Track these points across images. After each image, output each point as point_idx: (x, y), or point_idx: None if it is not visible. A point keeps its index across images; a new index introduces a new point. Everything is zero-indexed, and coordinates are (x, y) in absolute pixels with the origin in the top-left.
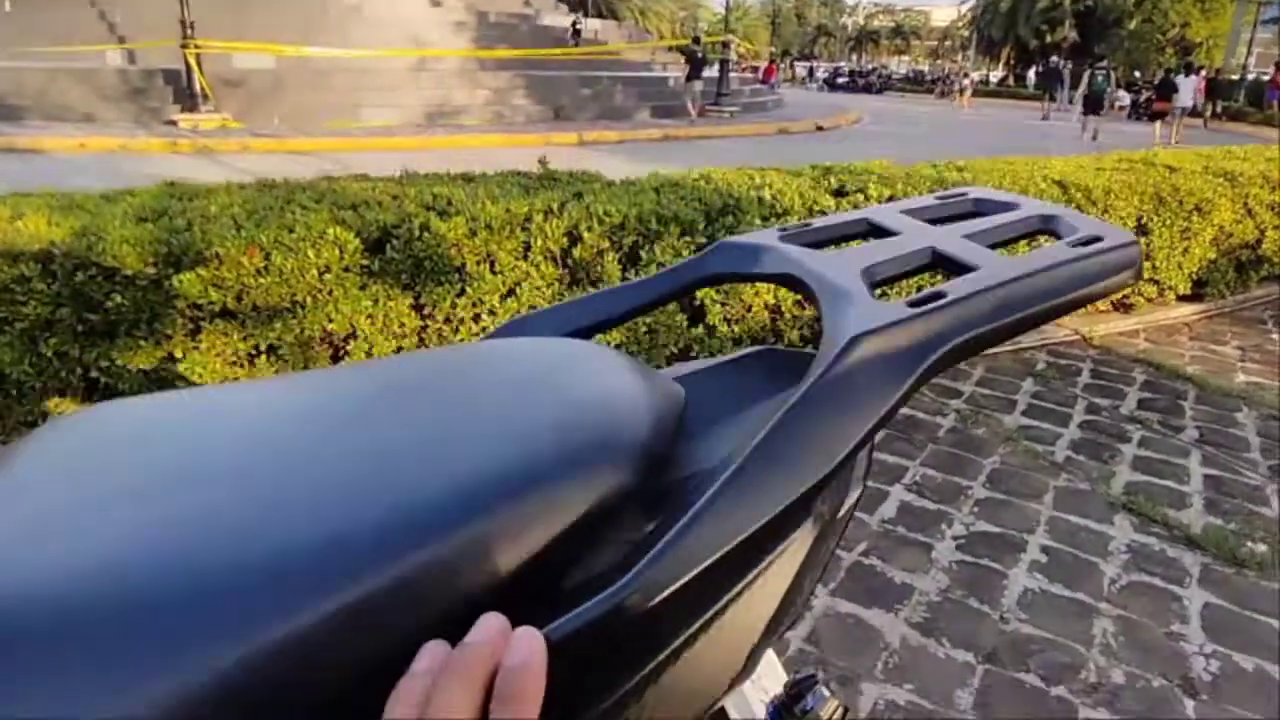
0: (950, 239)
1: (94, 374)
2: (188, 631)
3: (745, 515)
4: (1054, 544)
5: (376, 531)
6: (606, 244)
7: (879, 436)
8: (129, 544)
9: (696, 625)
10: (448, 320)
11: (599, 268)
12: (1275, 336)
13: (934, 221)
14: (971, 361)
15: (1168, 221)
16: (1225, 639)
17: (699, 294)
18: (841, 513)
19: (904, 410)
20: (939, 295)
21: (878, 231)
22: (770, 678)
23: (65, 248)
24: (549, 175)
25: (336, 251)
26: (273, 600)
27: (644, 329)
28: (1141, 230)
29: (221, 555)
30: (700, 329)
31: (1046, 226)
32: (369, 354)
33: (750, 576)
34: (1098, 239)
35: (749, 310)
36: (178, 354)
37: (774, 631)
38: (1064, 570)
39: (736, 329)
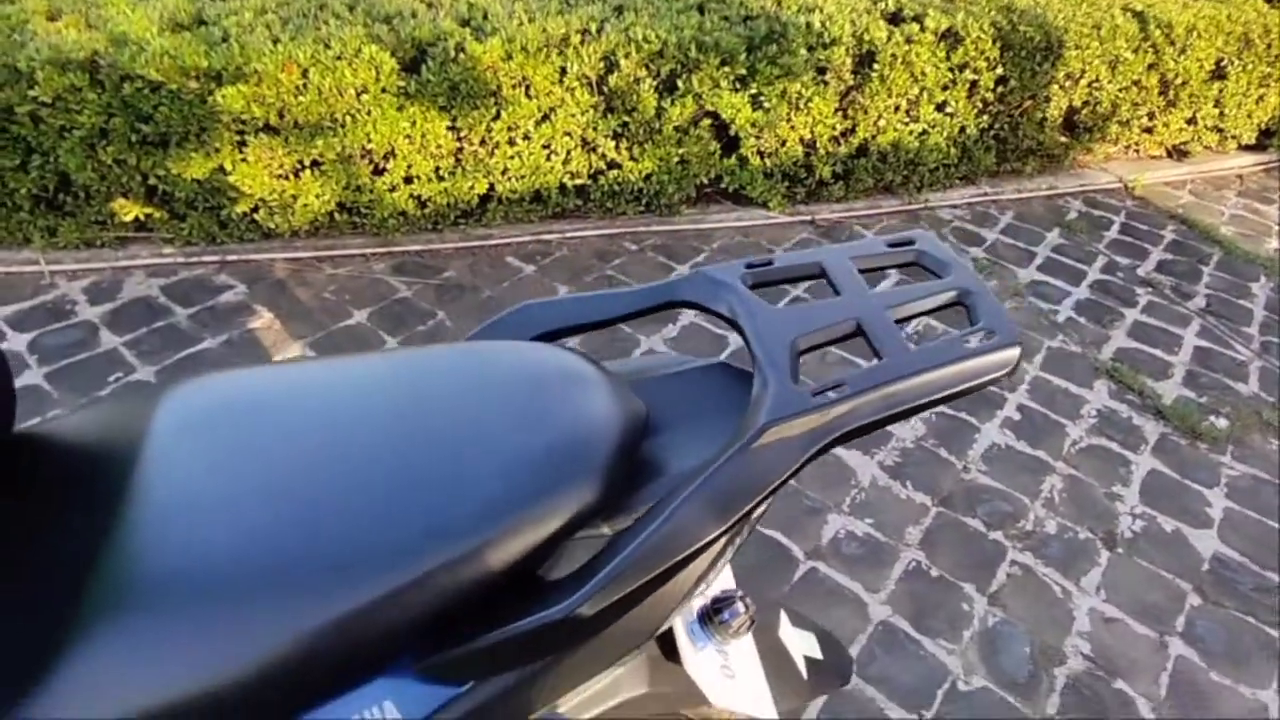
0: (875, 315)
1: (152, 181)
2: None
3: (668, 550)
4: (1031, 404)
5: (368, 550)
6: (644, 72)
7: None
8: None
9: (624, 616)
10: (483, 143)
11: (634, 97)
12: None
13: (875, 271)
14: (1000, 207)
15: (1249, 66)
16: (1157, 503)
17: (734, 126)
18: (756, 515)
19: None
20: (840, 385)
21: (825, 277)
22: (717, 585)
23: (109, 59)
24: None
25: (373, 72)
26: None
27: (676, 159)
28: (1219, 74)
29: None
30: (733, 160)
31: (961, 301)
32: (409, 172)
33: (672, 577)
34: (991, 333)
35: (783, 144)
36: (227, 166)
37: (692, 594)
38: (1032, 429)
39: (769, 162)
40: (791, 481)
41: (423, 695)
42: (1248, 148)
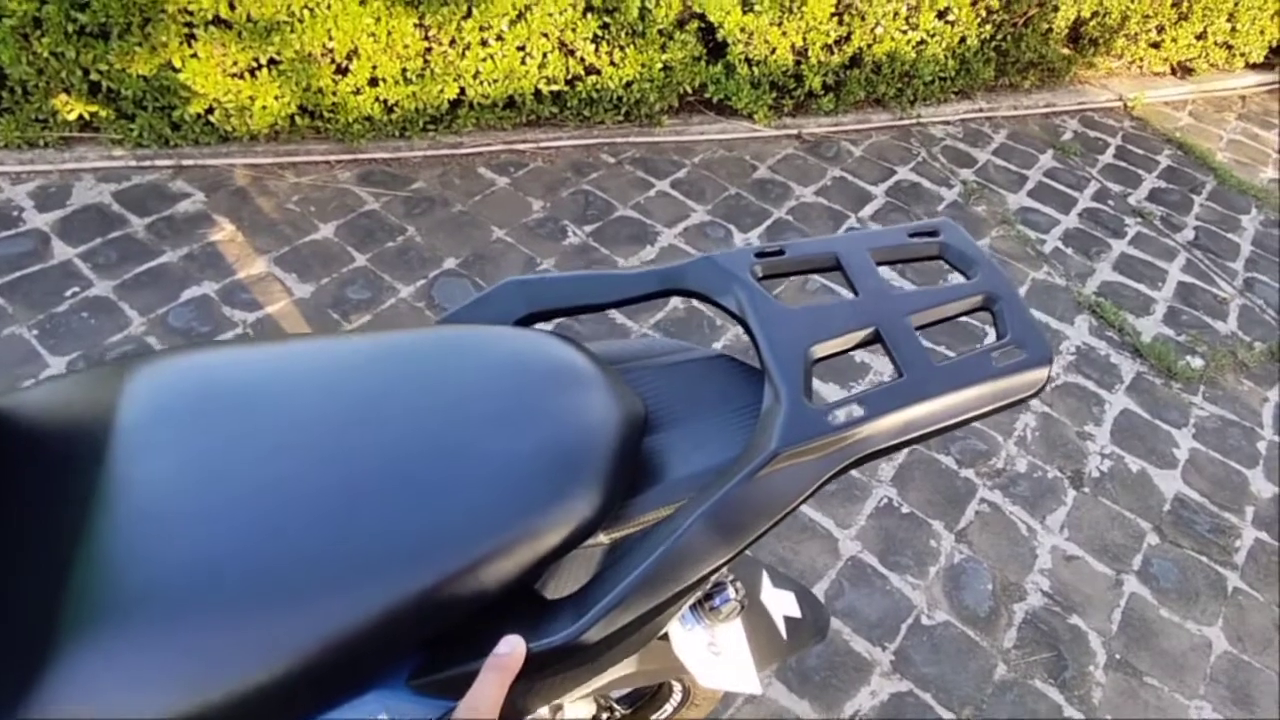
0: (895, 322)
1: (95, 77)
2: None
3: (674, 578)
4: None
5: (371, 563)
6: None
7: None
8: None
9: (627, 635)
10: (453, 43)
11: None
12: None
13: (893, 264)
14: (994, 125)
15: None
16: (1126, 443)
17: (723, 30)
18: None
19: (908, 179)
20: (857, 403)
21: (841, 270)
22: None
23: None
24: None
25: None
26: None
27: (659, 65)
28: None
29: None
30: (719, 67)
31: (988, 307)
32: (374, 74)
33: (678, 601)
34: (1019, 348)
35: (773, 52)
36: (176, 62)
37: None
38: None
39: (757, 71)
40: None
41: (414, 710)
42: (1254, 66)
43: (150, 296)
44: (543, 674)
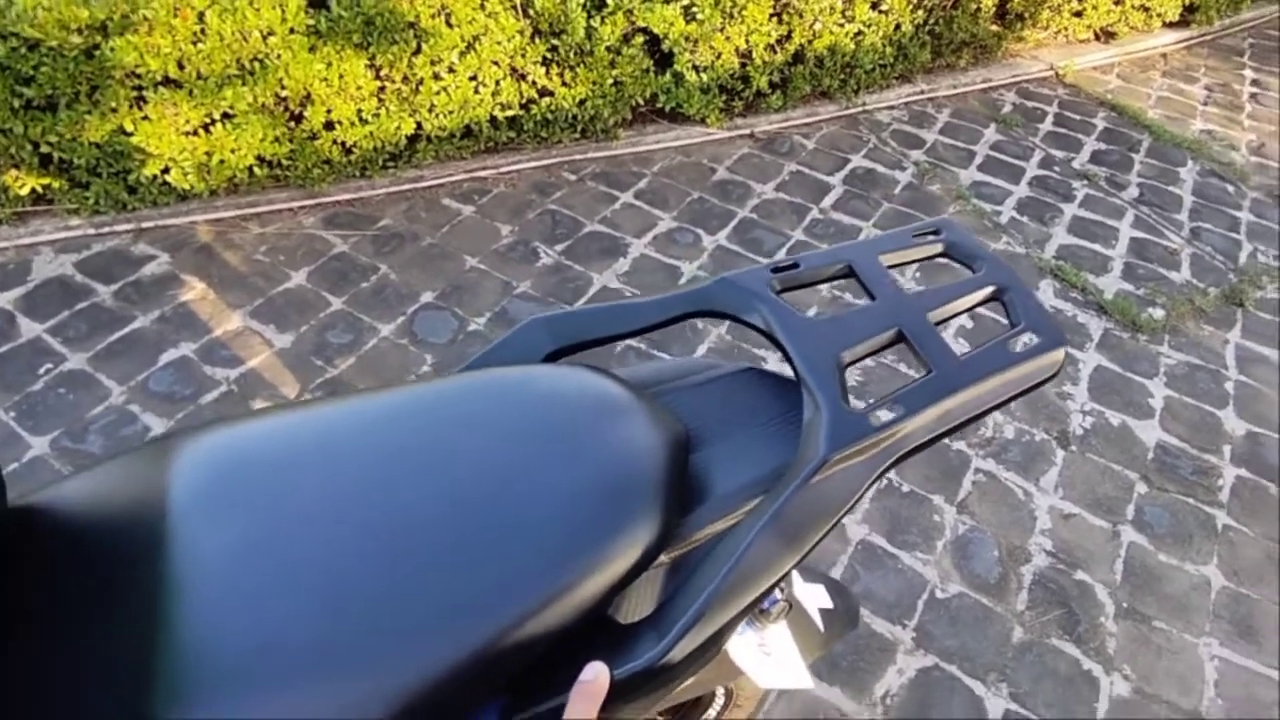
0: (915, 320)
1: (45, 149)
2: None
3: (747, 589)
4: (983, 312)
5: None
6: None
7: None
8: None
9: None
10: (406, 80)
11: (562, 17)
12: (1246, 73)
13: (902, 266)
14: (937, 105)
15: None
16: (1104, 399)
17: (667, 41)
18: None
19: (862, 166)
20: (893, 403)
21: (856, 278)
22: None
23: None
24: None
25: (278, 11)
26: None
27: (610, 81)
28: None
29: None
30: (668, 77)
31: (998, 298)
32: (329, 118)
33: (750, 612)
34: (1032, 335)
35: (719, 57)
36: (128, 126)
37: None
38: (986, 336)
39: (705, 77)
40: None
41: None
42: (1171, 25)
43: (127, 365)
44: (628, 698)
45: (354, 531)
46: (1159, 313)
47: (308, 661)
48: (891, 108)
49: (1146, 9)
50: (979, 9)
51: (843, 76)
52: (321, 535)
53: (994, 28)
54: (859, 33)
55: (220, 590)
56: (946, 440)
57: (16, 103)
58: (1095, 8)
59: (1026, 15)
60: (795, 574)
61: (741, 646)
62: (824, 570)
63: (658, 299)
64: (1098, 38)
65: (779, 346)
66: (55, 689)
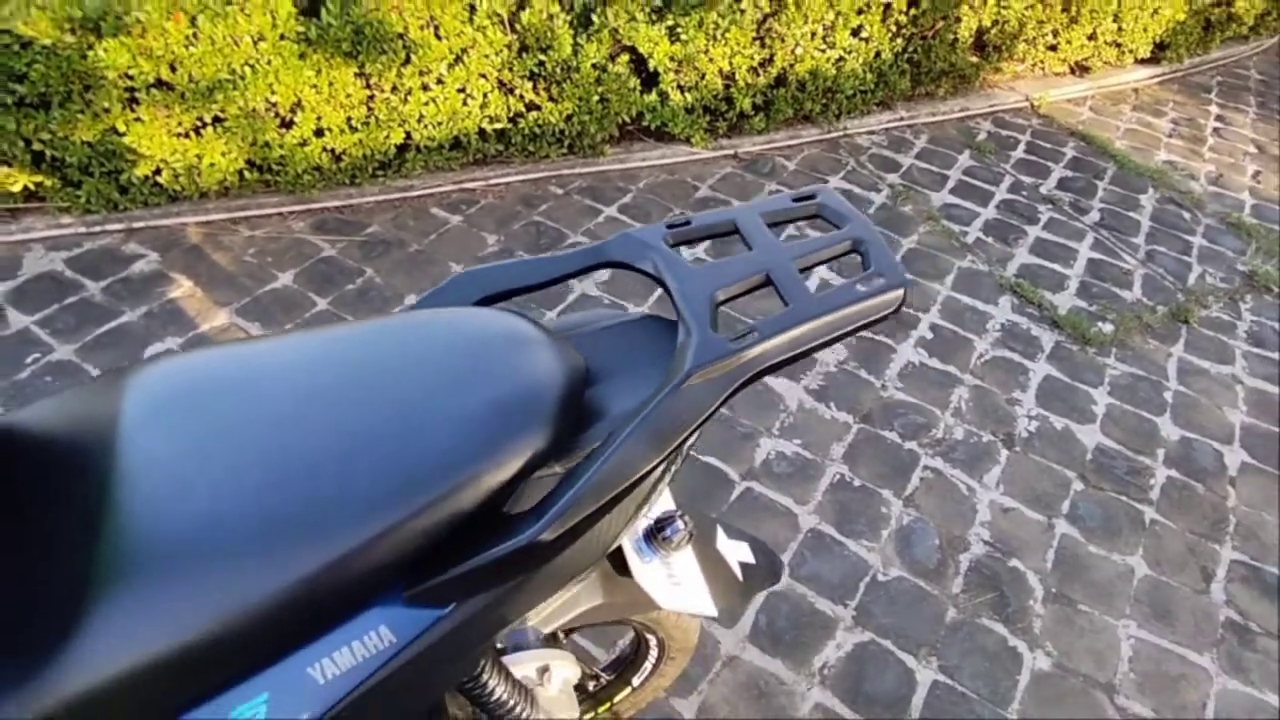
0: (782, 266)
1: (37, 147)
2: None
3: (615, 480)
4: (942, 322)
5: (358, 498)
6: (556, 7)
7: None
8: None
9: (580, 538)
10: (395, 90)
11: (549, 34)
12: (1211, 108)
13: (782, 224)
14: (915, 131)
15: None
16: (1050, 405)
17: (653, 61)
18: (687, 445)
19: (840, 187)
20: (752, 331)
21: (738, 233)
22: (660, 506)
23: None
24: None
25: (268, 17)
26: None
27: (596, 98)
28: None
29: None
30: (654, 96)
31: (856, 249)
32: (319, 125)
33: (619, 503)
34: (880, 276)
35: (703, 78)
36: (120, 127)
37: (637, 517)
38: (944, 346)
39: (689, 97)
40: (724, 411)
41: (412, 619)
42: (1143, 61)
43: (113, 356)
44: (514, 574)
45: (283, 440)
46: (1108, 327)
47: (238, 532)
48: (872, 133)
49: (1119, 45)
50: (956, 40)
51: (824, 101)
52: (256, 444)
53: (972, 59)
54: (840, 59)
55: (159, 486)
56: (898, 439)
57: (9, 99)
58: (1069, 43)
59: (1003, 47)
60: (719, 530)
61: (649, 574)
62: (775, 547)
63: (568, 254)
64: (1073, 71)
65: (664, 287)
66: (17, 569)
